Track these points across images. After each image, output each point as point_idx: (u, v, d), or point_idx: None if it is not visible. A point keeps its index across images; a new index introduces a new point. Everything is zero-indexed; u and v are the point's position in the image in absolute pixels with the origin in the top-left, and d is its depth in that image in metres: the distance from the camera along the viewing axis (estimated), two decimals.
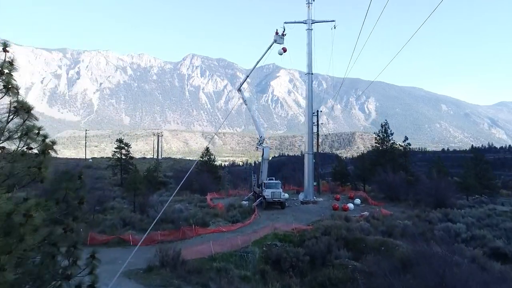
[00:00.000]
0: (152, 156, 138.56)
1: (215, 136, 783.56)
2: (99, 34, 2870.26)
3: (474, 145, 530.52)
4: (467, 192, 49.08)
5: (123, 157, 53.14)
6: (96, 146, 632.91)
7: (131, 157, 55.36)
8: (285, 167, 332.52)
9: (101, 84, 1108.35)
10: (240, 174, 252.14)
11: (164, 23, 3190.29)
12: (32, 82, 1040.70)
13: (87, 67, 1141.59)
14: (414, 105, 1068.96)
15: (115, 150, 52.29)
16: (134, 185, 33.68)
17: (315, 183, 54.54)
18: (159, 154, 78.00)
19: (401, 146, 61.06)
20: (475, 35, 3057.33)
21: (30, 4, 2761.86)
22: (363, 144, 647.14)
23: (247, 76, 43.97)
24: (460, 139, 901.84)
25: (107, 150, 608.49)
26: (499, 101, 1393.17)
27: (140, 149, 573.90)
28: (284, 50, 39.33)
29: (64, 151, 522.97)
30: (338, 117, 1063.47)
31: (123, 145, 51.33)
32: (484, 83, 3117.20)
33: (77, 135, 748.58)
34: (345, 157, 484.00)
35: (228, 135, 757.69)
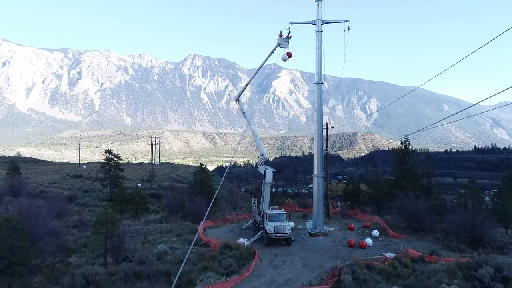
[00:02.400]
0: (150, 160, 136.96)
1: (216, 136, 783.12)
2: (101, 34, 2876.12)
3: (476, 146, 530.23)
4: (505, 223, 40.89)
5: (113, 169, 48.89)
6: (97, 147, 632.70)
7: (121, 169, 50.24)
8: (286, 168, 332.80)
9: (102, 84, 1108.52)
10: (241, 181, 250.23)
11: (165, 23, 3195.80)
12: (33, 82, 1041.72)
13: (88, 67, 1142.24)
14: (416, 105, 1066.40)
15: (104, 161, 47.70)
16: (105, 226, 24.71)
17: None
18: (156, 159, 75.88)
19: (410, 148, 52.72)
20: (477, 35, 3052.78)
21: (31, 5, 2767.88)
22: (364, 145, 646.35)
23: (246, 85, 38.92)
24: (462, 139, 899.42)
25: None
26: (502, 101, 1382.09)
27: (141, 149, 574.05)
28: (289, 55, 34.08)
29: (65, 152, 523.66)
30: (339, 117, 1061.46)
31: (112, 156, 46.63)
32: (487, 83, 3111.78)
33: (78, 135, 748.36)
34: (347, 157, 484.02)
35: (229, 135, 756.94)
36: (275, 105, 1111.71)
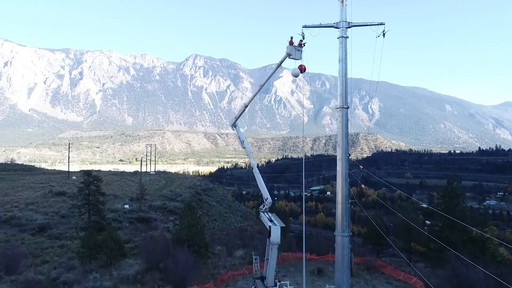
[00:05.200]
0: (149, 166, 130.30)
1: (218, 137, 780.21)
2: (102, 34, 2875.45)
3: (479, 146, 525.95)
4: None
5: (92, 193, 41.74)
6: (98, 147, 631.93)
7: (102, 193, 43.12)
8: (288, 171, 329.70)
9: (104, 84, 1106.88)
10: (242, 183, 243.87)
11: (167, 23, 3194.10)
12: (35, 82, 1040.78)
13: (90, 67, 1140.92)
14: (418, 105, 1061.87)
15: (82, 184, 40.47)
16: None
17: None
18: (155, 163, 71.45)
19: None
20: (480, 35, 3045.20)
21: (33, 5, 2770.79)
22: (367, 145, 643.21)
23: (245, 108, 30.64)
24: (464, 139, 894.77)
25: (109, 151, 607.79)
26: (504, 101, 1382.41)
27: (142, 150, 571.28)
28: (302, 69, 25.78)
29: (66, 153, 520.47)
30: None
31: (91, 179, 39.10)
32: (489, 83, 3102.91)
33: (79, 135, 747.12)
34: (350, 159, 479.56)
35: (230, 135, 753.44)
36: (276, 105, 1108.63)
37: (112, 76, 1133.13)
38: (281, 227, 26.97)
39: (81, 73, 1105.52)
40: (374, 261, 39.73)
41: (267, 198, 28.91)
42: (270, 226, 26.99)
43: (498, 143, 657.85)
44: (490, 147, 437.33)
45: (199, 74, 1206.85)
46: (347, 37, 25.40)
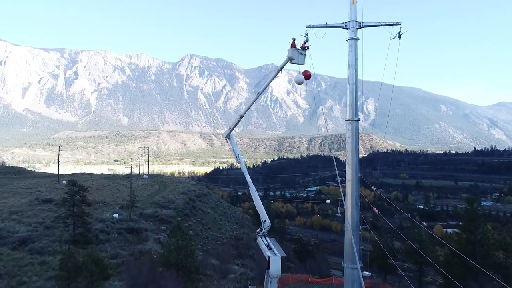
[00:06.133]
0: (143, 168, 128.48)
1: (213, 137, 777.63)
2: (97, 33, 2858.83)
3: (474, 147, 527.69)
4: None
5: (77, 204, 38.19)
6: (93, 148, 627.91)
7: (88, 203, 39.95)
8: (285, 171, 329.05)
9: (99, 84, 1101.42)
10: (238, 184, 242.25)
11: (162, 22, 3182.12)
12: (29, 82, 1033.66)
13: (85, 67, 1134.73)
14: (413, 105, 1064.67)
15: (66, 195, 37.43)
16: None
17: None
18: (149, 164, 69.09)
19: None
20: (475, 35, 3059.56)
21: (27, 4, 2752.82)
22: (362, 146, 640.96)
23: (240, 119, 27.89)
24: (459, 139, 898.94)
25: (104, 151, 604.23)
26: (499, 102, 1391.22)
27: (138, 150, 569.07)
28: (307, 76, 22.42)
29: (60, 153, 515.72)
30: (337, 118, 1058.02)
31: (76, 189, 35.52)
32: (483, 83, 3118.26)
33: (74, 136, 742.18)
34: (345, 159, 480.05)
35: None
36: (272, 105, 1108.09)
37: (107, 76, 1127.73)
38: (281, 258, 23.57)
39: (76, 73, 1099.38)
40: (382, 285, 36.14)
41: (265, 221, 25.80)
42: (269, 257, 23.71)
43: (492, 143, 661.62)
44: (485, 148, 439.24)
45: (195, 74, 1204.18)
46: (357, 39, 22.12)
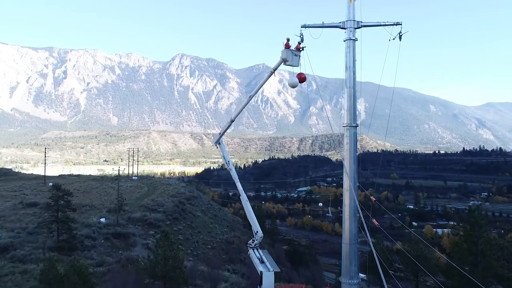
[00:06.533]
0: (132, 168, 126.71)
1: (204, 137, 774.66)
2: (87, 32, 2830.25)
3: (463, 147, 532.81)
4: None
5: (61, 209, 35.68)
6: (82, 148, 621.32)
7: (73, 208, 37.78)
8: (275, 171, 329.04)
9: (88, 83, 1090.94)
10: (229, 184, 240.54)
11: (153, 22, 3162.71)
12: (17, 81, 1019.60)
13: (74, 66, 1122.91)
14: (402, 106, 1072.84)
15: (49, 200, 35.03)
16: None
17: None
18: (139, 164, 67.39)
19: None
20: (463, 36, 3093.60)
21: (16, 2, 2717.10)
22: None
23: (232, 121, 26.21)
24: (448, 139, 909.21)
25: (93, 151, 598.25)
26: (486, 102, 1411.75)
27: (128, 150, 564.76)
28: (302, 79, 21.22)
29: (49, 153, 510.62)
30: (328, 118, 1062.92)
31: (61, 193, 34.67)
32: (472, 84, 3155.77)
33: (63, 135, 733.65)
34: (336, 159, 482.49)
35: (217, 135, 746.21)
36: (263, 105, 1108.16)
37: (97, 76, 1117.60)
38: (274, 273, 22.22)
39: (65, 72, 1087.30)
40: None
41: (257, 232, 24.23)
42: (261, 272, 22.06)
43: (481, 143, 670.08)
44: (474, 148, 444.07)
45: (186, 74, 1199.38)
46: (355, 39, 20.36)
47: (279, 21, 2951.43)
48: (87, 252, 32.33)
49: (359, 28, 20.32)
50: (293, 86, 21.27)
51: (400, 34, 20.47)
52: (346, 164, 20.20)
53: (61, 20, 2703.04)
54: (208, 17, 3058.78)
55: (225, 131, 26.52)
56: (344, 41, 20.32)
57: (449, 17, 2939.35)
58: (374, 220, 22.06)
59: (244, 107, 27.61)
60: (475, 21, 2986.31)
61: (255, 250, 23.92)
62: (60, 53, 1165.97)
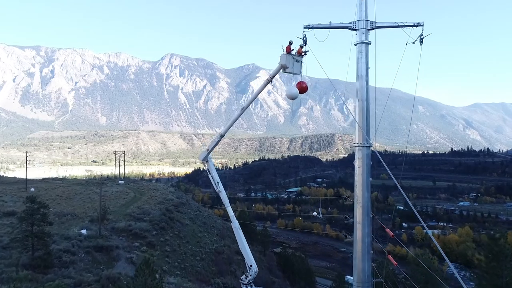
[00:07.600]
0: (118, 171, 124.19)
1: (194, 137, 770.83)
2: (75, 31, 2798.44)
3: (450, 147, 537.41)
4: None
5: (36, 223, 31.85)
6: (70, 148, 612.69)
7: (50, 222, 34.32)
8: (266, 172, 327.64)
9: (76, 83, 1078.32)
10: None
11: (142, 21, 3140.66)
12: (3, 80, 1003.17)
13: (62, 65, 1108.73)
14: (391, 106, 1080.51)
15: (23, 214, 31.77)
16: None
17: None
18: (125, 166, 65.13)
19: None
20: (451, 38, 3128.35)
21: (2, 0, 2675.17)
22: (342, 146, 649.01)
23: (219, 140, 24.34)
24: (436, 140, 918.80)
25: (81, 152, 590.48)
26: (473, 103, 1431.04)
27: (116, 150, 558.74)
28: (303, 89, 18.09)
29: (35, 153, 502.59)
30: (317, 118, 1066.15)
31: (36, 206, 29.69)
32: (459, 85, 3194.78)
33: (50, 136, 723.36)
34: (326, 159, 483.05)
35: (207, 136, 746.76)
36: (253, 105, 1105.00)
37: (85, 75, 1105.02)
38: None
39: (52, 71, 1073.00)
40: None
41: (251, 266, 21.72)
42: None
43: (468, 143, 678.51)
44: (462, 148, 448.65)
45: (175, 74, 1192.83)
46: (369, 43, 16.86)
47: (270, 21, 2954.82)
48: (64, 269, 29.66)
49: (372, 29, 16.94)
50: (293, 98, 17.98)
51: (422, 37, 17.32)
52: (358, 191, 16.39)
53: (48, 19, 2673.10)
54: (198, 17, 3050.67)
55: (214, 147, 24.01)
56: (355, 44, 17.08)
57: (436, 18, 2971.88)
58: (388, 230, 19.26)
59: (235, 121, 25.26)
60: (462, 22, 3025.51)
61: (249, 287, 21.47)
62: (47, 52, 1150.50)
